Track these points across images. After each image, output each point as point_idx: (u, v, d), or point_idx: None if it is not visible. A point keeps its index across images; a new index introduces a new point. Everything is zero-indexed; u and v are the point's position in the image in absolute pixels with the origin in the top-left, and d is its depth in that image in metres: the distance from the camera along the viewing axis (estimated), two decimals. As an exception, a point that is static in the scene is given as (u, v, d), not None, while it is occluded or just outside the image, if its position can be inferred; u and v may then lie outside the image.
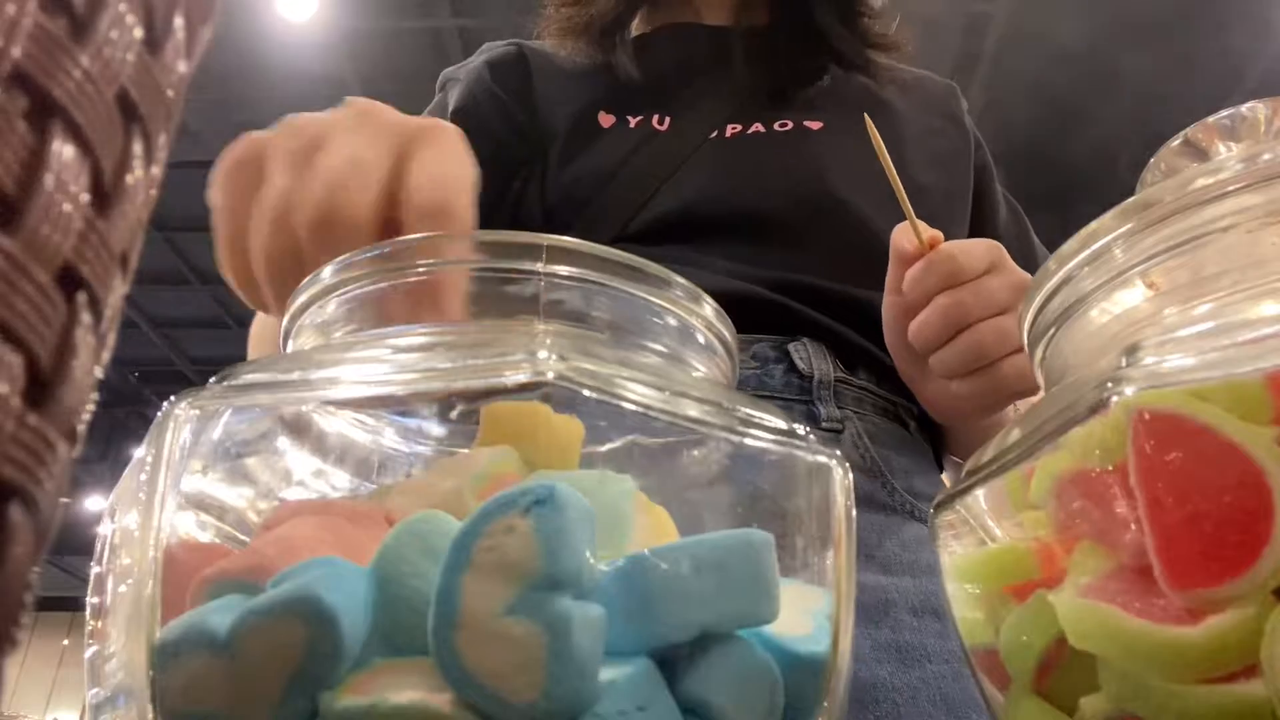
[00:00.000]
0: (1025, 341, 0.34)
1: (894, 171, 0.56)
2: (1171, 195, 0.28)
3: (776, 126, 0.78)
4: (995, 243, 0.58)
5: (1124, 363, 0.25)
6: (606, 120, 0.78)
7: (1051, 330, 0.32)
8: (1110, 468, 0.26)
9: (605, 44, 0.80)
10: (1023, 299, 0.57)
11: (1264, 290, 0.26)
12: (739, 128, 0.77)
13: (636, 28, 0.86)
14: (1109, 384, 0.25)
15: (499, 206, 0.76)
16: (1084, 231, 0.30)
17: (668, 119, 0.77)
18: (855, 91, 0.82)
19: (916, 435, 0.71)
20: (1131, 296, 0.29)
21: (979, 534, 0.32)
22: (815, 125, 0.78)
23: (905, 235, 0.58)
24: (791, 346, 0.67)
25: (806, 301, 0.69)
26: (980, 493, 0.31)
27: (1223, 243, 0.27)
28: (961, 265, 0.56)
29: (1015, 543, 0.30)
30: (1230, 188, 0.26)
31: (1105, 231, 0.29)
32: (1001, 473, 0.29)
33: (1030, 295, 0.32)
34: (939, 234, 0.58)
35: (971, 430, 0.70)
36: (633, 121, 0.77)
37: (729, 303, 0.67)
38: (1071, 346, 0.31)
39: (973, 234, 0.81)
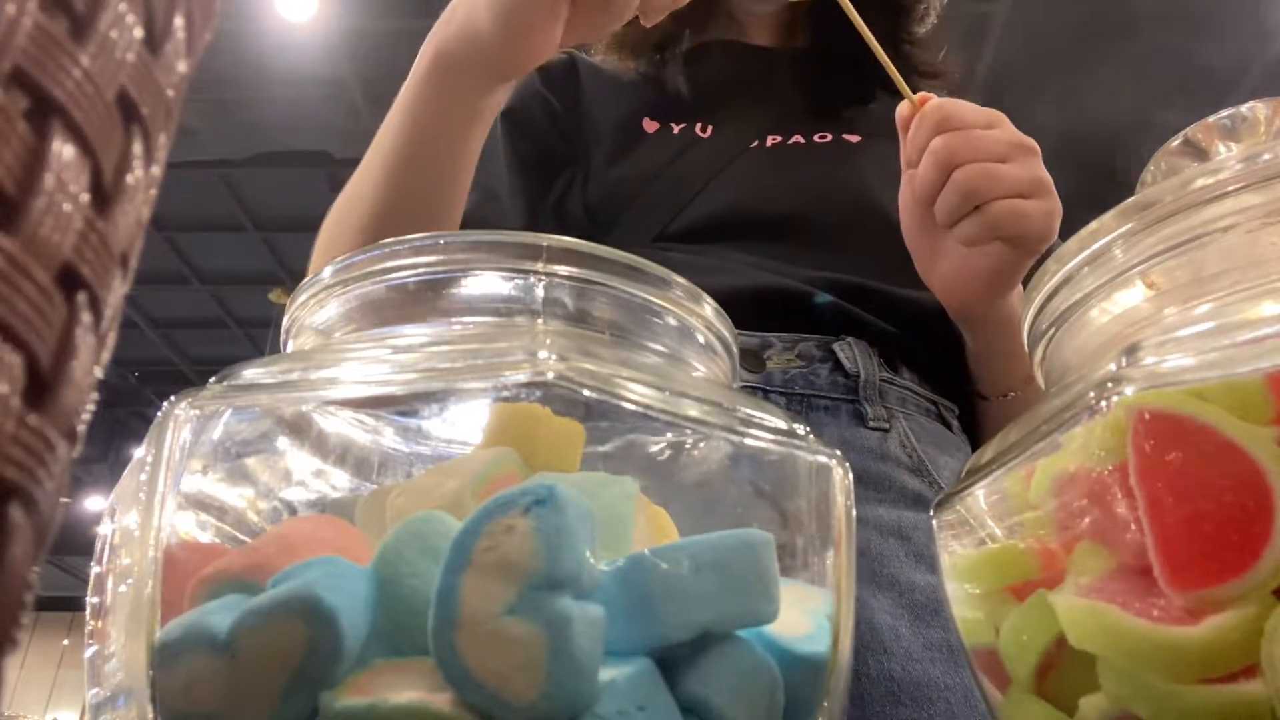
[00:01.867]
0: (1025, 341, 0.34)
1: (871, 37, 0.59)
2: (1171, 195, 0.28)
3: (816, 138, 0.80)
4: (997, 111, 0.60)
5: (1124, 363, 0.25)
6: (651, 126, 0.81)
7: (1051, 330, 0.32)
8: (1110, 468, 0.26)
9: (655, 60, 0.83)
10: (1023, 156, 0.58)
11: (1264, 290, 0.26)
12: (779, 138, 0.80)
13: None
14: (1109, 384, 0.25)
15: (540, 207, 0.79)
16: (1084, 231, 0.30)
17: (710, 127, 0.80)
18: (892, 114, 0.84)
19: (959, 434, 0.72)
20: (1131, 296, 0.29)
21: (979, 533, 0.32)
22: (853, 139, 0.80)
23: (902, 104, 0.61)
24: (837, 346, 0.68)
25: (849, 300, 0.69)
26: (980, 492, 0.31)
27: (1223, 243, 0.27)
28: (951, 113, 0.58)
29: (1015, 543, 0.30)
30: (1230, 188, 0.27)
31: (1105, 231, 0.29)
32: (1001, 472, 0.29)
33: (1030, 295, 0.32)
34: (930, 95, 0.60)
35: (989, 330, 0.70)
36: (676, 128, 0.80)
37: (776, 300, 0.68)
38: (1072, 346, 0.31)
39: None
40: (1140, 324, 0.29)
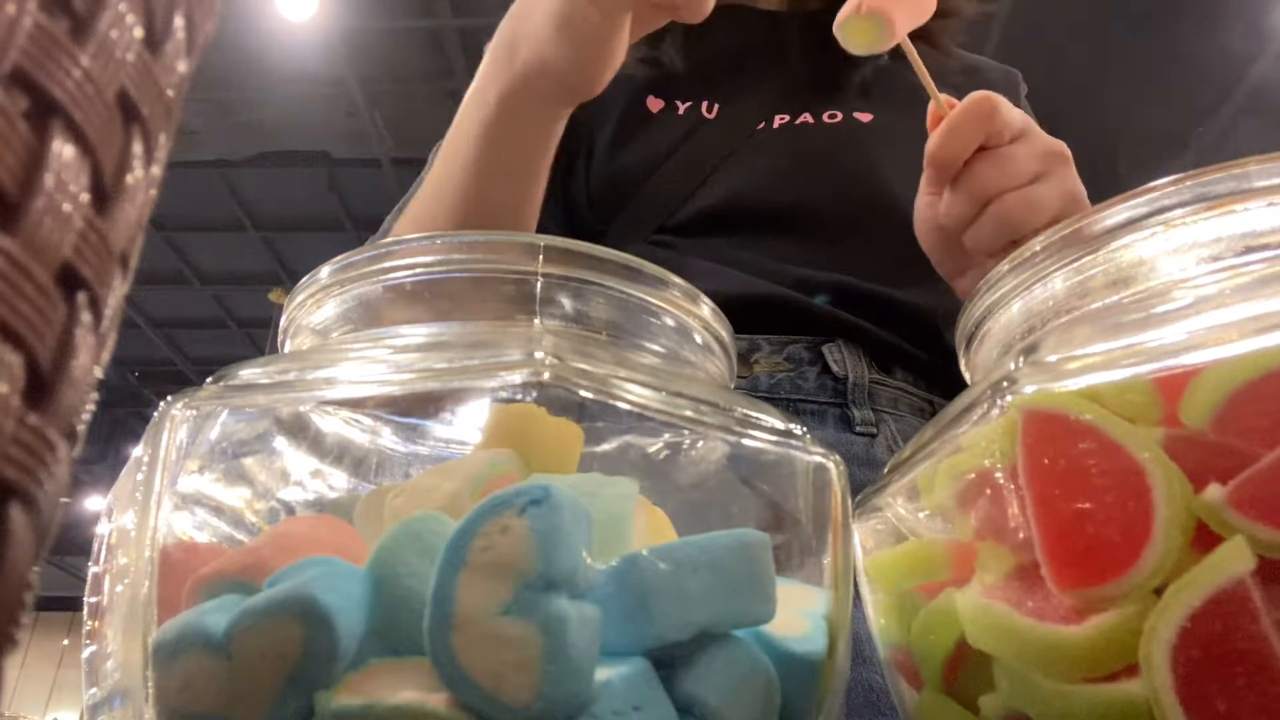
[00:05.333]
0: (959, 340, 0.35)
1: (923, 69, 0.56)
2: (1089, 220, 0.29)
3: (825, 118, 0.76)
4: (1021, 110, 0.56)
5: (1020, 363, 0.25)
6: (655, 105, 0.78)
7: (973, 329, 0.33)
8: (1005, 467, 0.26)
9: (653, 37, 0.80)
10: (1056, 168, 0.54)
11: (1155, 295, 0.26)
12: (787, 117, 0.76)
13: None
14: (1004, 383, 0.25)
15: (548, 203, 0.76)
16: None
17: (716, 106, 0.76)
18: (906, 83, 0.82)
19: None
20: (1038, 298, 0.30)
21: (898, 531, 0.32)
22: (865, 117, 0.77)
23: (933, 112, 0.57)
24: (826, 349, 0.67)
25: (845, 304, 0.68)
26: (896, 490, 0.31)
27: (1126, 254, 0.28)
28: (999, 113, 0.53)
29: (927, 541, 0.30)
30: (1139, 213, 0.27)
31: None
32: (915, 472, 0.30)
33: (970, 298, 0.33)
34: (954, 100, 0.56)
35: None
36: (681, 108, 0.77)
37: (766, 305, 0.66)
38: (988, 346, 0.32)
39: None
40: (1040, 325, 0.29)
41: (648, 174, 0.74)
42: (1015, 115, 0.54)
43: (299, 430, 0.31)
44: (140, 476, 0.25)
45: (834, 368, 0.66)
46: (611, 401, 0.25)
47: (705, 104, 0.77)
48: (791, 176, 0.73)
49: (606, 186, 0.75)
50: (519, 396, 0.27)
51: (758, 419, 0.28)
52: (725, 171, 0.74)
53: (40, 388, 0.12)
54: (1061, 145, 0.55)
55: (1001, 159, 0.54)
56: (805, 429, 0.30)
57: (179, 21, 0.15)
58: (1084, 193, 0.56)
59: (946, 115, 0.54)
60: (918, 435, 0.30)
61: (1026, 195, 0.53)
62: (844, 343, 0.67)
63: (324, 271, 0.31)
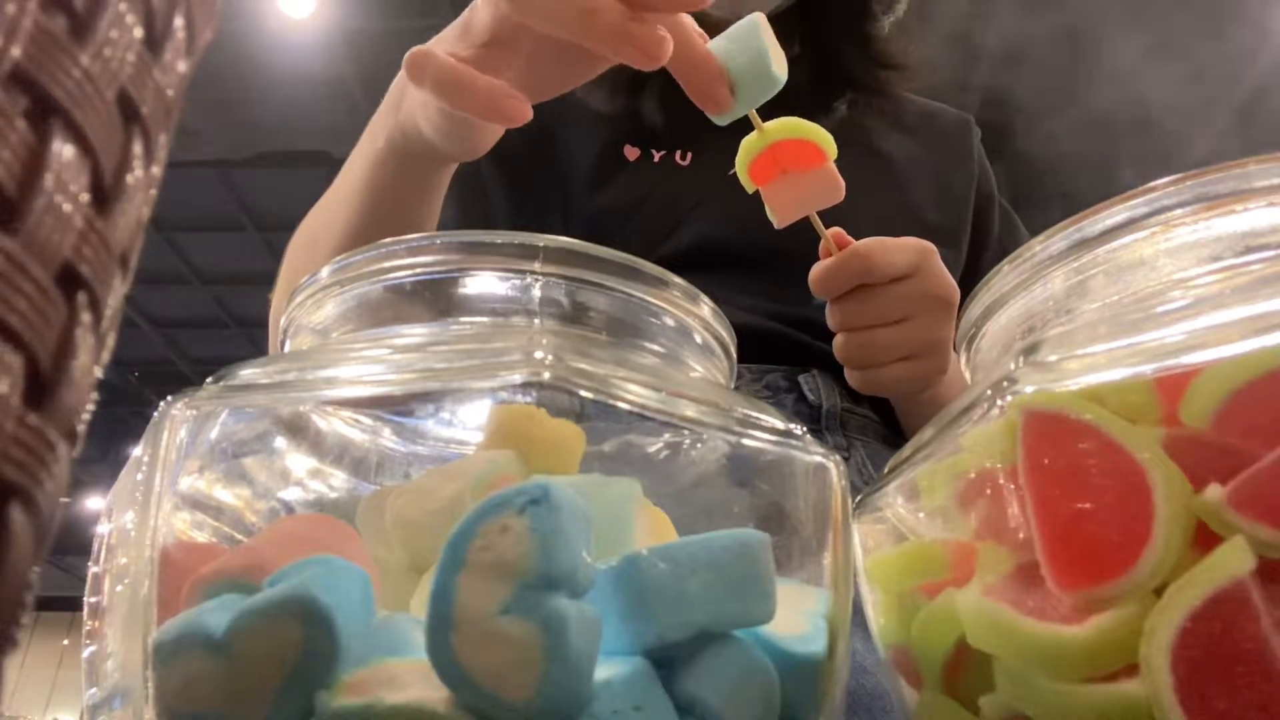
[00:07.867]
0: (956, 340, 0.35)
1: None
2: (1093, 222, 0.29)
3: None
4: (925, 246, 0.59)
5: (1020, 363, 0.25)
6: (632, 153, 0.81)
7: (972, 330, 0.33)
8: (1005, 468, 0.26)
9: (633, 91, 0.82)
10: (927, 309, 0.58)
11: (1155, 295, 0.26)
12: None
13: None
14: (1005, 383, 0.25)
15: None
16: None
17: (690, 154, 0.80)
18: (865, 134, 0.84)
19: None
20: (1038, 298, 0.30)
21: (898, 530, 0.32)
22: None
23: (822, 248, 0.61)
24: (802, 378, 0.71)
25: (817, 335, 0.72)
26: (895, 490, 0.31)
27: (1125, 253, 0.28)
28: (870, 267, 0.57)
29: (927, 541, 0.31)
30: (1137, 213, 0.27)
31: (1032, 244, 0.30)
32: (913, 471, 0.30)
33: (968, 300, 0.33)
34: (844, 234, 0.60)
35: (910, 408, 0.72)
36: (657, 156, 0.80)
37: (746, 336, 0.69)
38: (988, 346, 0.32)
39: (968, 253, 0.84)
40: (1040, 325, 0.29)
41: (625, 218, 0.78)
42: (900, 259, 0.58)
43: (299, 430, 0.31)
44: (140, 476, 0.25)
45: (809, 396, 0.70)
46: (611, 401, 0.25)
47: (679, 152, 0.81)
48: (759, 220, 0.77)
49: (585, 230, 0.79)
50: (519, 397, 0.27)
51: (758, 419, 0.28)
52: (698, 215, 0.77)
53: (40, 388, 0.12)
54: (947, 292, 0.59)
55: (870, 298, 0.58)
56: (805, 429, 0.30)
57: (179, 21, 0.15)
58: (948, 341, 0.59)
59: (832, 253, 0.58)
60: (918, 435, 0.30)
61: (871, 337, 0.58)
62: (818, 372, 0.71)
63: (324, 271, 0.31)
